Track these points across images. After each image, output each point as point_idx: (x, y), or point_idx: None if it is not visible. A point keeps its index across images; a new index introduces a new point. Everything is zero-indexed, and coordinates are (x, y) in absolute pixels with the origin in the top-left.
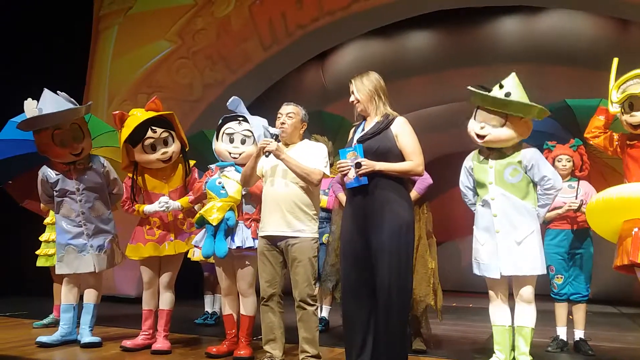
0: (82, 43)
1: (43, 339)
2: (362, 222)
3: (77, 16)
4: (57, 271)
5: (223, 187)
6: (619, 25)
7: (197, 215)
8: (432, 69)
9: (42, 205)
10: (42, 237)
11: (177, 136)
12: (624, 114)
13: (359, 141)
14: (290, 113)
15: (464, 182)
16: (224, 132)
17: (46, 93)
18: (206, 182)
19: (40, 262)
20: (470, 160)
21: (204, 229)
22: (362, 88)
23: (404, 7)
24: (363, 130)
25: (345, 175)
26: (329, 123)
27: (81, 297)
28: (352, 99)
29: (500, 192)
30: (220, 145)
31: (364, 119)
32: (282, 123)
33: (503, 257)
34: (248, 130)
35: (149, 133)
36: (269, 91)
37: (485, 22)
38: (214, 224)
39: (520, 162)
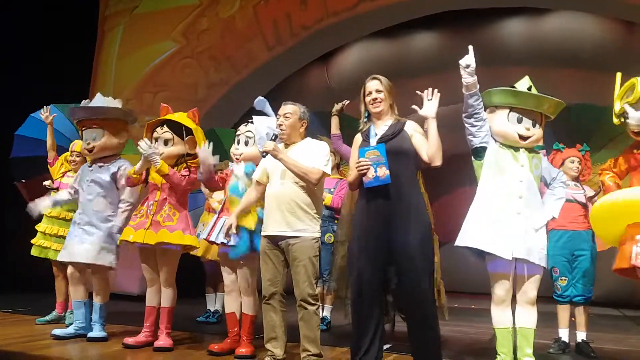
0: (88, 43)
1: (57, 331)
2: (383, 222)
3: (83, 16)
4: (58, 258)
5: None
6: (624, 27)
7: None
8: (437, 70)
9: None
10: (39, 228)
11: (187, 143)
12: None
13: (379, 142)
14: (287, 113)
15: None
16: (235, 134)
17: (97, 96)
18: (229, 187)
19: (34, 252)
20: (497, 146)
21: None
22: (389, 89)
23: (408, 8)
24: (376, 134)
25: (365, 174)
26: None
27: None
28: (374, 95)
29: (528, 177)
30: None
31: (370, 122)
32: (280, 124)
33: (518, 239)
34: (251, 131)
35: (157, 129)
36: (273, 91)
37: (490, 24)
38: (253, 227)
39: (540, 158)
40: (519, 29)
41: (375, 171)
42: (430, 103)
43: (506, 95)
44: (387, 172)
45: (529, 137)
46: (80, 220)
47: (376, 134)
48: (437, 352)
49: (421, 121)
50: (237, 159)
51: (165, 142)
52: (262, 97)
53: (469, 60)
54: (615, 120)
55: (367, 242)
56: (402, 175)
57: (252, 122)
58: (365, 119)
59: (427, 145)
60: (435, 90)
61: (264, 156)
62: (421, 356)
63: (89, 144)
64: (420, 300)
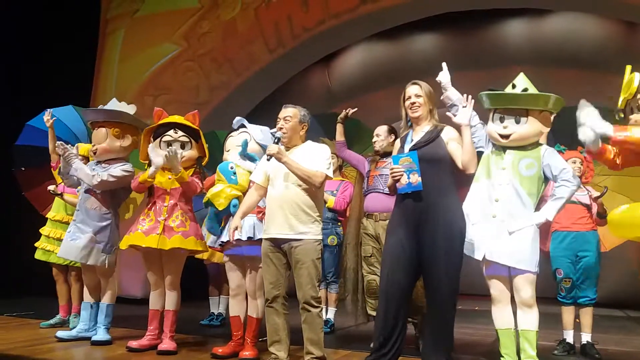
0: (90, 46)
1: (60, 334)
2: (414, 227)
3: (85, 19)
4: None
5: (234, 174)
6: (626, 27)
7: (206, 196)
8: (439, 71)
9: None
10: (44, 231)
11: (197, 147)
12: (630, 119)
13: (412, 149)
14: (287, 116)
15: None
16: (227, 144)
17: (112, 101)
18: (222, 167)
19: (38, 255)
20: (486, 155)
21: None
22: (429, 95)
23: (410, 10)
24: (412, 140)
25: (398, 180)
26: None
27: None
28: (413, 100)
29: (509, 180)
30: (224, 156)
31: (410, 128)
32: (280, 127)
33: (492, 242)
34: (246, 132)
35: (170, 132)
36: (274, 93)
37: (491, 25)
38: (220, 209)
39: (538, 157)
40: (521, 30)
41: (408, 177)
42: (465, 110)
43: (486, 98)
44: (419, 179)
45: (509, 135)
46: (77, 218)
47: (412, 140)
48: (448, 356)
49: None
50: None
51: (182, 146)
52: (239, 117)
53: (440, 77)
54: (617, 118)
55: (398, 245)
56: (436, 182)
57: (242, 128)
58: (408, 124)
59: (462, 152)
60: (470, 97)
61: (267, 159)
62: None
63: (93, 145)
64: (439, 305)
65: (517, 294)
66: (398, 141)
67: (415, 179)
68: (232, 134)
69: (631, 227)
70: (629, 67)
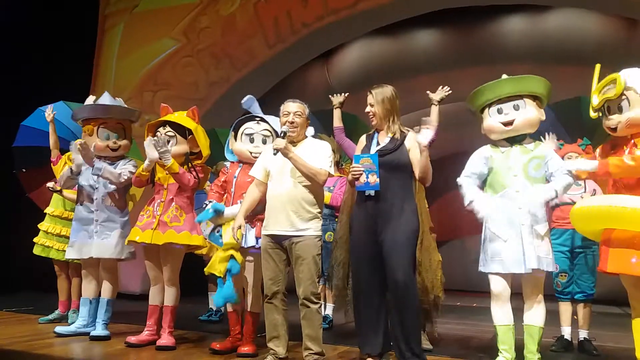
0: (88, 42)
1: (59, 329)
2: (372, 224)
3: (83, 15)
4: (66, 255)
5: (221, 236)
6: (626, 24)
7: (206, 270)
8: (438, 67)
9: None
10: (42, 227)
11: (188, 143)
12: (604, 118)
13: (378, 153)
14: (298, 112)
15: (472, 168)
16: (243, 133)
17: (105, 95)
18: (209, 234)
19: (36, 251)
20: (490, 149)
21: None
22: (381, 103)
23: (409, 6)
24: (378, 143)
25: (357, 179)
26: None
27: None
28: (368, 109)
29: (525, 185)
30: (240, 145)
31: (376, 129)
32: (292, 122)
33: (528, 250)
34: (267, 129)
35: (160, 129)
36: (274, 89)
37: (491, 21)
38: (221, 276)
39: (543, 157)
40: (521, 26)
41: (367, 177)
42: (427, 131)
43: (480, 95)
44: (377, 180)
45: (512, 121)
46: (98, 218)
47: (378, 143)
48: (416, 343)
49: (420, 118)
50: (256, 157)
51: (167, 142)
52: (250, 96)
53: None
54: (593, 114)
55: (361, 242)
56: (394, 185)
57: (261, 120)
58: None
59: (417, 170)
60: (439, 121)
61: (274, 154)
62: (401, 348)
63: (115, 142)
64: (399, 296)
65: (529, 291)
66: (363, 139)
67: (374, 179)
68: (250, 125)
69: (589, 220)
70: (598, 66)
